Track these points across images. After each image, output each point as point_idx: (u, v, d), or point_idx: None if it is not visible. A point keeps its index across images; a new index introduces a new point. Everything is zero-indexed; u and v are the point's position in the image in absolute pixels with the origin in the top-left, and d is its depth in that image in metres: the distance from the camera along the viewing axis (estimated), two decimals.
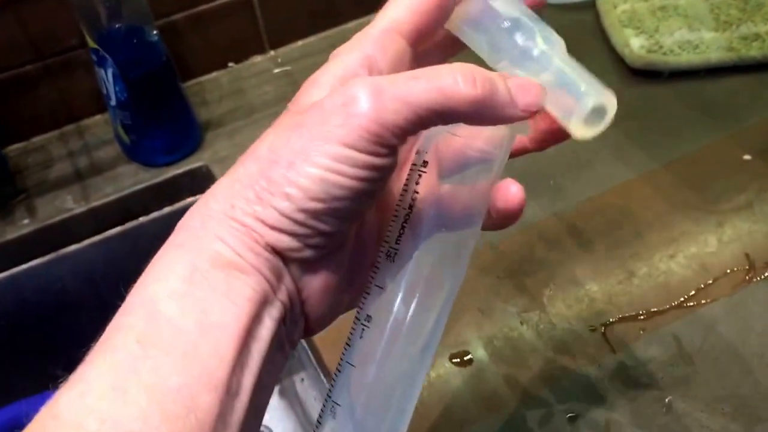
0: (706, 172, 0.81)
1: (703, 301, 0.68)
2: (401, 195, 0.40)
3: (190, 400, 0.31)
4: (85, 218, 0.88)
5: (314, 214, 0.35)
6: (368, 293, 0.40)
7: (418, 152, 0.40)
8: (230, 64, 1.04)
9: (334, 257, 0.38)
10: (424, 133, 0.40)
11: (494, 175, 0.40)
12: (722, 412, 0.60)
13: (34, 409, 0.31)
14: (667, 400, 0.61)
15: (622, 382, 0.63)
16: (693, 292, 0.69)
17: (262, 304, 0.35)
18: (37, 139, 0.97)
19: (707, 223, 0.75)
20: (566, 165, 0.84)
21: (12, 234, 0.86)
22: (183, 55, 0.99)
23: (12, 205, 0.89)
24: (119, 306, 0.34)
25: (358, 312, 0.40)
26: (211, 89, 1.01)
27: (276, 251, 0.36)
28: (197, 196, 0.94)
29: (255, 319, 0.34)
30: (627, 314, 0.68)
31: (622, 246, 0.75)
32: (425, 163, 0.40)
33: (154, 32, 0.87)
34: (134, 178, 0.90)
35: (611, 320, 0.68)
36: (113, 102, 0.87)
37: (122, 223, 0.91)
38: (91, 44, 0.84)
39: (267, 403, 0.37)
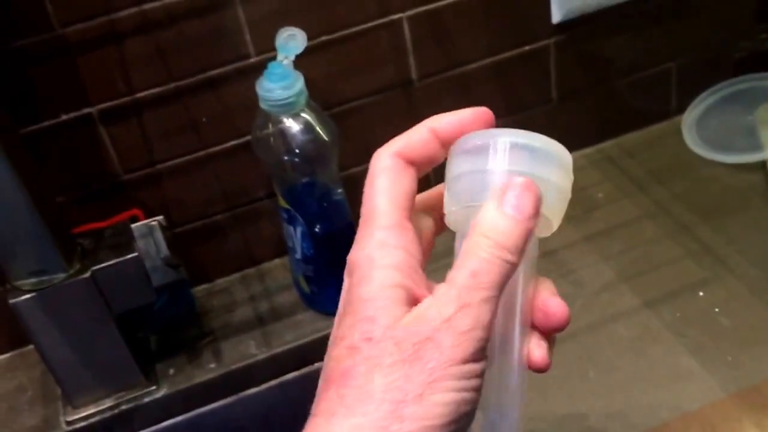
0: None
1: None
2: None
3: None
4: (266, 363, 0.93)
5: None
6: None
7: None
8: None
9: None
10: None
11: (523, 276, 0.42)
12: None
13: None
14: None
15: None
16: None
17: None
18: (220, 281, 1.03)
19: None
20: (742, 339, 0.84)
21: (200, 378, 0.91)
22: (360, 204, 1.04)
23: (199, 347, 0.94)
24: None
25: None
26: None
27: None
28: None
29: None
30: None
31: None
32: None
33: (339, 191, 0.92)
34: (312, 326, 0.95)
35: None
36: (299, 256, 0.93)
37: (299, 368, 0.95)
38: (282, 204, 0.90)
39: None
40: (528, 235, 0.39)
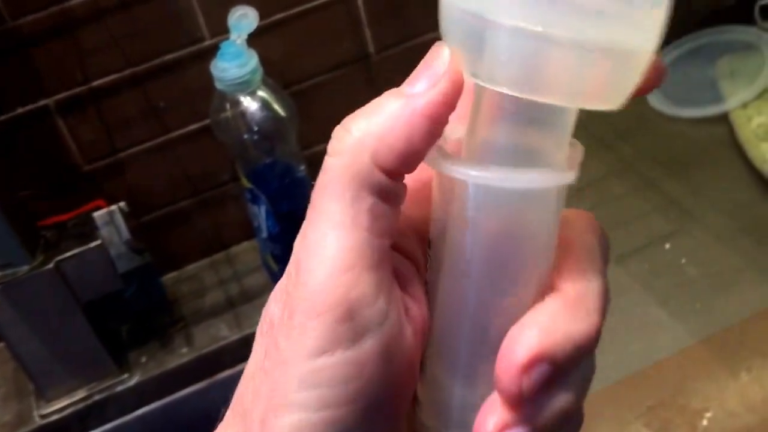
0: None
1: None
2: None
3: None
4: (237, 345, 0.93)
5: None
6: None
7: None
8: None
9: None
10: None
11: None
12: None
13: None
14: None
15: None
16: None
17: None
18: (190, 268, 1.03)
19: None
20: (710, 286, 0.84)
21: (172, 363, 0.91)
22: None
23: (171, 333, 0.94)
24: None
25: None
26: None
27: None
28: None
29: None
30: None
31: None
32: None
33: (302, 168, 0.92)
34: None
35: None
36: (264, 235, 0.92)
37: None
38: (246, 184, 0.90)
39: None
40: (419, 123, 0.23)
